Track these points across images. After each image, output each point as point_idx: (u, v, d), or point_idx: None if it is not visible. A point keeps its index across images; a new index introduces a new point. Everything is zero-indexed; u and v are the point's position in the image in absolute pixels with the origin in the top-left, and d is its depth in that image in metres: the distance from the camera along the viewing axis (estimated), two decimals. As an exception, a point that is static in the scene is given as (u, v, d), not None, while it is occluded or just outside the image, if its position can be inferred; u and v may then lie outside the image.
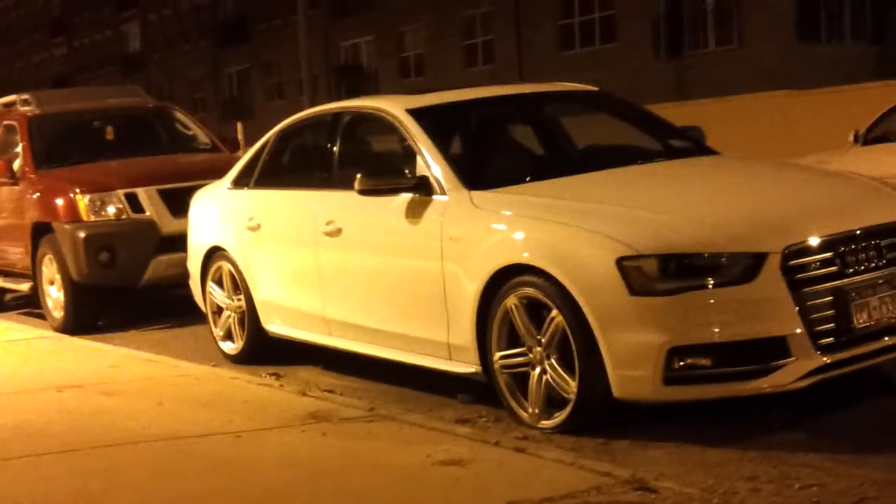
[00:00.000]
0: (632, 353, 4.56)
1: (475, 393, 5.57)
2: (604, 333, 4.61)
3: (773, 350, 4.49)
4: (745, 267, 4.51)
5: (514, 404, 5.10)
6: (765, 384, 4.49)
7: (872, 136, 12.81)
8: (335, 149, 6.48)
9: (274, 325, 6.82)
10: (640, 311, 4.54)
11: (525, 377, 5.03)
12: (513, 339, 5.07)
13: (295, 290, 6.57)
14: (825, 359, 4.53)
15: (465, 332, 5.26)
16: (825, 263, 4.60)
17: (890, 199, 5.13)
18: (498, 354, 5.13)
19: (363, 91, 35.19)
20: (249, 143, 7.56)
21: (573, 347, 4.74)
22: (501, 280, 5.04)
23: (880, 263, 4.73)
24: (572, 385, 4.79)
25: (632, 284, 4.56)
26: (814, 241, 4.62)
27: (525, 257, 4.94)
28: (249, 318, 6.97)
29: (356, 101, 6.72)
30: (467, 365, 5.34)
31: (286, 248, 6.65)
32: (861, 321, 4.62)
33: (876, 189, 5.38)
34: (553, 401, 4.93)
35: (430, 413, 5.48)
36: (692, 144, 6.23)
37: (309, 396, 5.85)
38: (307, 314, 6.48)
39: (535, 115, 6.72)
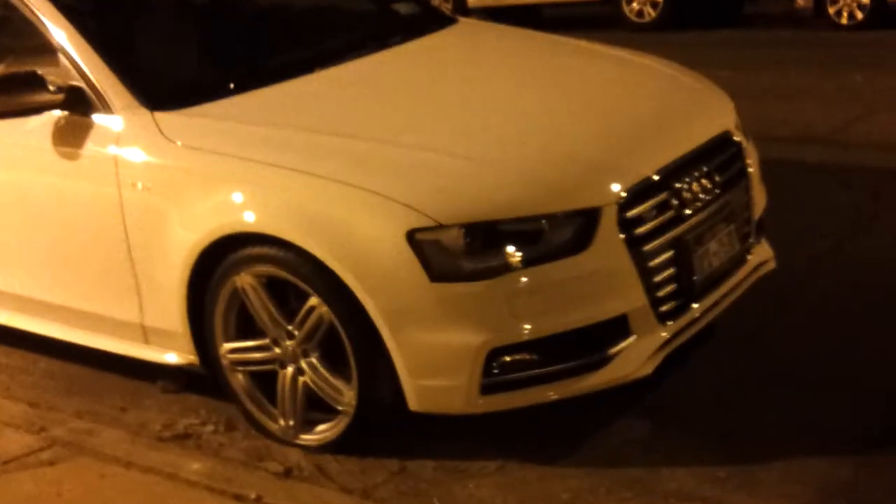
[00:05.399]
0: (437, 359, 3.31)
1: (181, 377, 4.13)
2: (394, 333, 3.30)
3: (610, 332, 3.42)
4: (577, 230, 3.34)
5: (256, 413, 3.74)
6: (606, 377, 3.42)
7: None
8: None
9: None
10: (445, 303, 3.27)
11: (271, 376, 3.67)
12: (249, 325, 3.65)
13: None
14: (665, 333, 3.51)
15: (168, 313, 3.75)
16: (662, 207, 3.54)
17: (710, 103, 4.10)
18: (227, 346, 3.70)
19: None
20: None
21: (347, 348, 3.43)
22: (224, 249, 3.55)
23: (715, 193, 3.74)
24: (347, 394, 3.50)
25: (431, 266, 3.26)
26: (650, 178, 3.51)
27: (249, 222, 3.45)
28: None
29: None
30: (174, 353, 3.86)
31: None
32: (701, 273, 3.66)
33: (693, 88, 4.22)
34: (312, 402, 3.64)
35: (127, 416, 4.01)
36: (417, 8, 4.84)
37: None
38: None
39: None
